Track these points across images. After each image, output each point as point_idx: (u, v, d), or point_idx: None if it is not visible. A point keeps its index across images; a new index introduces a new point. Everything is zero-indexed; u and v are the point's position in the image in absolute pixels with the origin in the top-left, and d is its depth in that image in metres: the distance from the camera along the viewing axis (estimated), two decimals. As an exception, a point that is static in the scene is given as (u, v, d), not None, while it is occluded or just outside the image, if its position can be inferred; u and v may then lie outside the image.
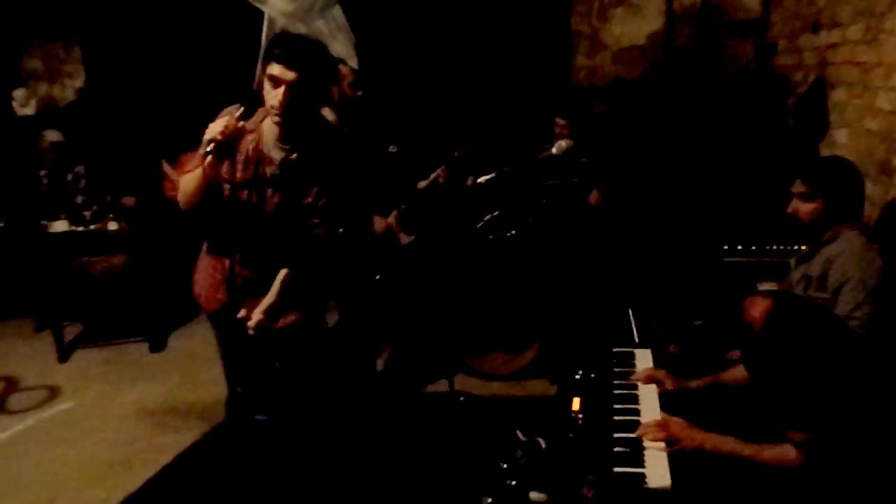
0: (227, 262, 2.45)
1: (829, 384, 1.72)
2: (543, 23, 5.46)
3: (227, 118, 2.23)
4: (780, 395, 1.83)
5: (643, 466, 1.91)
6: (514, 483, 1.61)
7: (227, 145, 2.24)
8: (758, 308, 1.90)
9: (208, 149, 2.20)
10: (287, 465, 2.85)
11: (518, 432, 1.72)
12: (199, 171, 2.29)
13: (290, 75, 2.20)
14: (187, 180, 2.34)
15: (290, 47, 2.24)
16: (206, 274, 2.55)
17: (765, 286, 2.73)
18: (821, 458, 1.76)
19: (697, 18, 5.21)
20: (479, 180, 2.72)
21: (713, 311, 2.63)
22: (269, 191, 2.39)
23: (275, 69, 2.21)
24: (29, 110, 5.99)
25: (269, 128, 2.36)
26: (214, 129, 2.20)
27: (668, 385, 2.36)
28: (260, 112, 2.39)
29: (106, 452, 3.48)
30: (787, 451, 1.85)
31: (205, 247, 2.59)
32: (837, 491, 1.76)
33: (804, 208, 2.46)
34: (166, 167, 4.89)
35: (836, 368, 1.73)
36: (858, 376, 1.74)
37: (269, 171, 2.38)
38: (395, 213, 3.81)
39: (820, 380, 1.73)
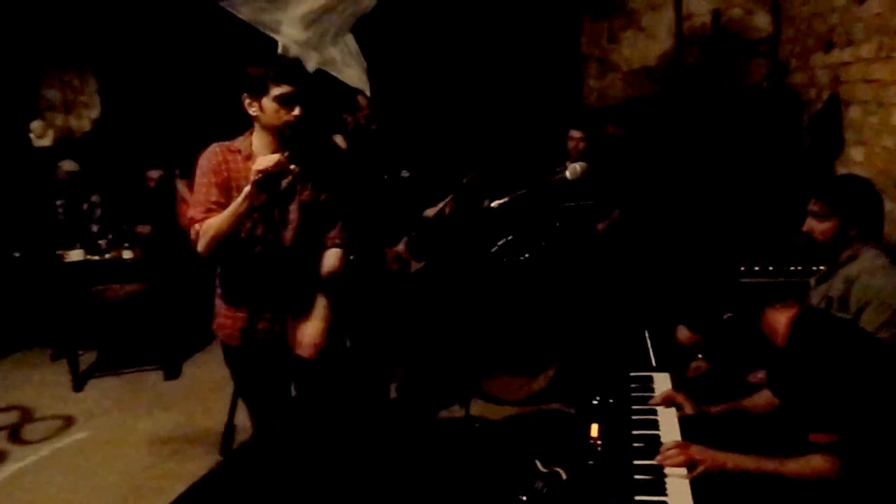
0: (246, 314, 2.45)
1: (857, 390, 1.69)
2: (553, 46, 5.48)
3: (278, 155, 2.26)
4: (805, 404, 1.79)
5: (665, 495, 1.86)
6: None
7: (272, 181, 2.25)
8: (782, 317, 1.87)
9: (255, 178, 2.21)
10: (300, 492, 2.82)
11: (537, 462, 1.68)
12: (232, 210, 2.29)
13: (295, 88, 2.30)
14: (218, 222, 2.32)
15: (285, 64, 2.38)
16: (226, 316, 2.54)
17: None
18: (849, 458, 1.73)
19: (708, 38, 5.21)
20: (491, 205, 2.70)
21: (732, 332, 2.58)
22: (277, 212, 2.42)
23: (283, 88, 2.28)
24: (46, 142, 6.06)
25: (261, 149, 2.40)
26: (266, 162, 2.22)
27: (688, 409, 2.31)
28: (244, 138, 2.44)
29: (120, 481, 3.46)
30: (813, 462, 1.81)
31: (219, 291, 2.56)
32: (869, 495, 1.72)
33: (819, 227, 2.42)
34: (182, 188, 4.94)
35: (865, 376, 1.71)
36: (887, 384, 1.72)
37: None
38: (405, 239, 3.81)
39: (849, 386, 1.70)
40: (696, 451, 1.97)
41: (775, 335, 1.88)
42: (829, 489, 1.78)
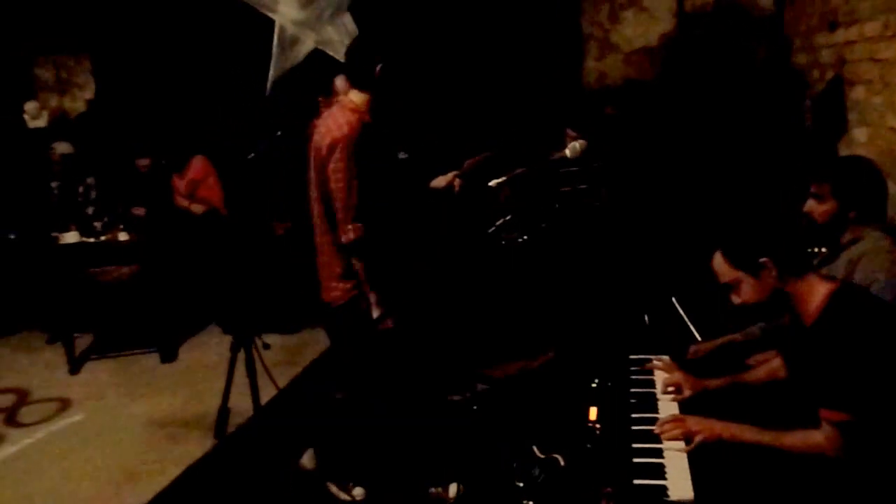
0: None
1: (883, 376, 1.66)
2: (553, 26, 5.42)
3: None
4: (822, 380, 1.76)
5: (664, 478, 1.84)
6: (530, 503, 1.54)
7: None
8: (819, 290, 1.83)
9: None
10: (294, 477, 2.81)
11: (535, 448, 1.65)
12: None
13: None
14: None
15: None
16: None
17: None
18: (856, 440, 1.71)
19: (710, 18, 5.14)
20: (489, 184, 2.67)
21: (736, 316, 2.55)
22: None
23: None
24: (40, 122, 6.02)
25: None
26: None
27: (687, 389, 2.29)
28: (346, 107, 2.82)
29: (116, 464, 3.45)
30: (812, 436, 1.79)
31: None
32: (868, 478, 1.69)
33: (818, 209, 2.39)
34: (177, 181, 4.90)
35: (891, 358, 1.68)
36: None
37: None
38: None
39: (875, 370, 1.67)
40: (693, 423, 1.97)
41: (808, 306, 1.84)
42: (826, 467, 1.75)
